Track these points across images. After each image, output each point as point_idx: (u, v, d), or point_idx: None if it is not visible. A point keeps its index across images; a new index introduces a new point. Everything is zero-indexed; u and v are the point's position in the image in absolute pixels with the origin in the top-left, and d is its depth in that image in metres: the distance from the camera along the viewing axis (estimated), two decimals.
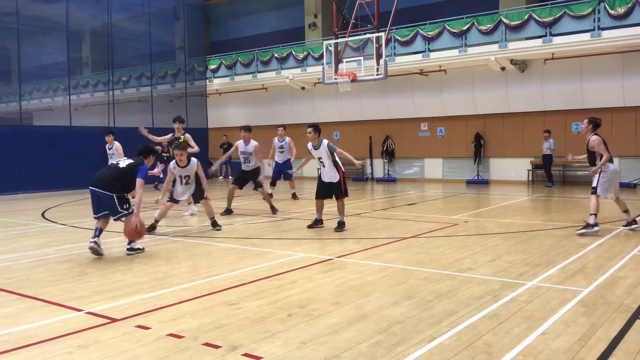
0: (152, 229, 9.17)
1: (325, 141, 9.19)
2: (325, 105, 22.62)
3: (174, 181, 9.38)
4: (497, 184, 18.98)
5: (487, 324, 4.37)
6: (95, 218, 7.36)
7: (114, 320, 4.65)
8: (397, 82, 20.36)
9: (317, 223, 9.59)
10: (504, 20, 17.34)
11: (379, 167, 22.03)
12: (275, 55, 22.62)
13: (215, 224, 9.52)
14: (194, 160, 9.21)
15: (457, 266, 6.48)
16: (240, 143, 11.63)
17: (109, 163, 7.71)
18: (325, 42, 17.81)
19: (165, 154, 13.88)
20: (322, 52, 18.28)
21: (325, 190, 9.39)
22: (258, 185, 11.57)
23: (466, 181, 19.73)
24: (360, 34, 17.18)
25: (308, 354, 3.82)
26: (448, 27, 18.34)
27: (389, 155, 21.48)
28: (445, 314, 4.66)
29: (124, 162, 7.40)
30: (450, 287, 5.51)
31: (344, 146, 12.41)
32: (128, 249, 7.43)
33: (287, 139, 14.45)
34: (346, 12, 17.76)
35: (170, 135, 12.50)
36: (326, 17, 23.25)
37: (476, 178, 19.57)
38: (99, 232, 7.23)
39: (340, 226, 9.20)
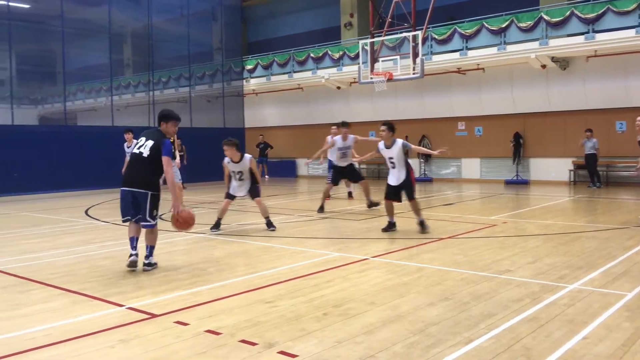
0: (216, 226, 9.36)
1: (399, 141, 8.89)
2: (361, 105, 22.56)
3: (230, 177, 9.48)
4: (537, 185, 18.57)
5: (526, 327, 4.29)
6: (124, 220, 6.65)
7: (153, 315, 4.76)
8: (434, 81, 20.14)
9: (391, 226, 9.10)
10: (545, 17, 16.94)
11: (415, 166, 21.83)
12: (311, 55, 22.69)
13: (270, 224, 9.45)
14: (247, 156, 9.25)
15: (495, 268, 6.38)
16: (337, 139, 11.88)
17: (131, 156, 6.71)
18: (361, 42, 17.76)
19: (180, 153, 14.13)
20: (358, 52, 18.25)
21: (394, 192, 9.05)
22: (359, 179, 11.82)
23: (505, 181, 19.37)
24: (397, 33, 17.07)
25: (343, 353, 3.83)
26: (486, 25, 18.04)
27: (425, 155, 21.27)
28: (482, 316, 4.60)
29: (145, 149, 6.45)
30: (488, 289, 5.43)
31: None
32: (145, 264, 6.55)
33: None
34: (382, 11, 17.68)
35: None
36: (362, 16, 23.18)
37: (515, 178, 19.19)
38: (135, 241, 6.50)
39: (422, 226, 8.86)
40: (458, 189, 17.55)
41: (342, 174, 11.81)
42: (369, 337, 4.15)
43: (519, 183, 18.93)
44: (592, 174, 17.14)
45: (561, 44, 16.90)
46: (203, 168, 20.29)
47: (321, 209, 11.72)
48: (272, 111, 25.77)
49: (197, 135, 21.13)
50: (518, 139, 19.11)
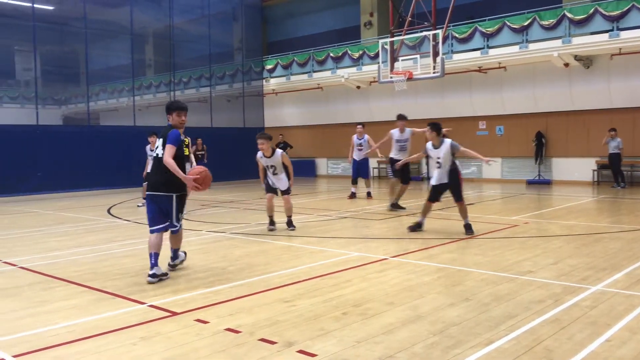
0: (271, 224, 9.46)
1: (448, 141, 8.78)
2: (380, 104, 22.49)
3: (265, 171, 9.49)
4: (559, 185, 18.32)
5: (547, 329, 4.24)
6: (152, 230, 6.18)
7: (174, 313, 4.81)
8: (455, 80, 19.98)
9: (419, 226, 9.02)
10: (568, 14, 16.69)
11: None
12: (331, 54, 22.68)
13: (290, 223, 9.50)
14: (278, 151, 9.29)
15: (516, 269, 6.31)
16: (395, 132, 11.92)
17: (154, 160, 6.52)
18: (381, 41, 17.69)
19: (200, 152, 14.19)
20: (378, 51, 18.18)
21: (438, 192, 8.99)
22: (406, 181, 11.87)
23: (527, 181, 19.14)
24: (417, 32, 16.96)
25: (362, 353, 3.82)
26: (508, 23, 17.85)
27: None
28: (503, 317, 4.55)
29: (159, 149, 6.34)
30: (509, 290, 5.37)
31: None
32: (170, 266, 6.55)
33: (366, 136, 14.38)
34: (402, 10, 17.59)
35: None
36: (382, 16, 23.11)
37: (537, 178, 18.95)
38: (155, 258, 6.03)
39: (468, 229, 8.70)
40: (479, 189, 17.39)
41: (398, 170, 11.64)
42: (388, 337, 4.14)
43: (541, 183, 18.69)
44: (616, 174, 16.85)
45: (585, 42, 16.62)
46: (223, 167, 20.43)
47: (395, 206, 11.76)
48: (292, 111, 25.83)
49: (217, 134, 21.31)
50: (540, 138, 18.86)
